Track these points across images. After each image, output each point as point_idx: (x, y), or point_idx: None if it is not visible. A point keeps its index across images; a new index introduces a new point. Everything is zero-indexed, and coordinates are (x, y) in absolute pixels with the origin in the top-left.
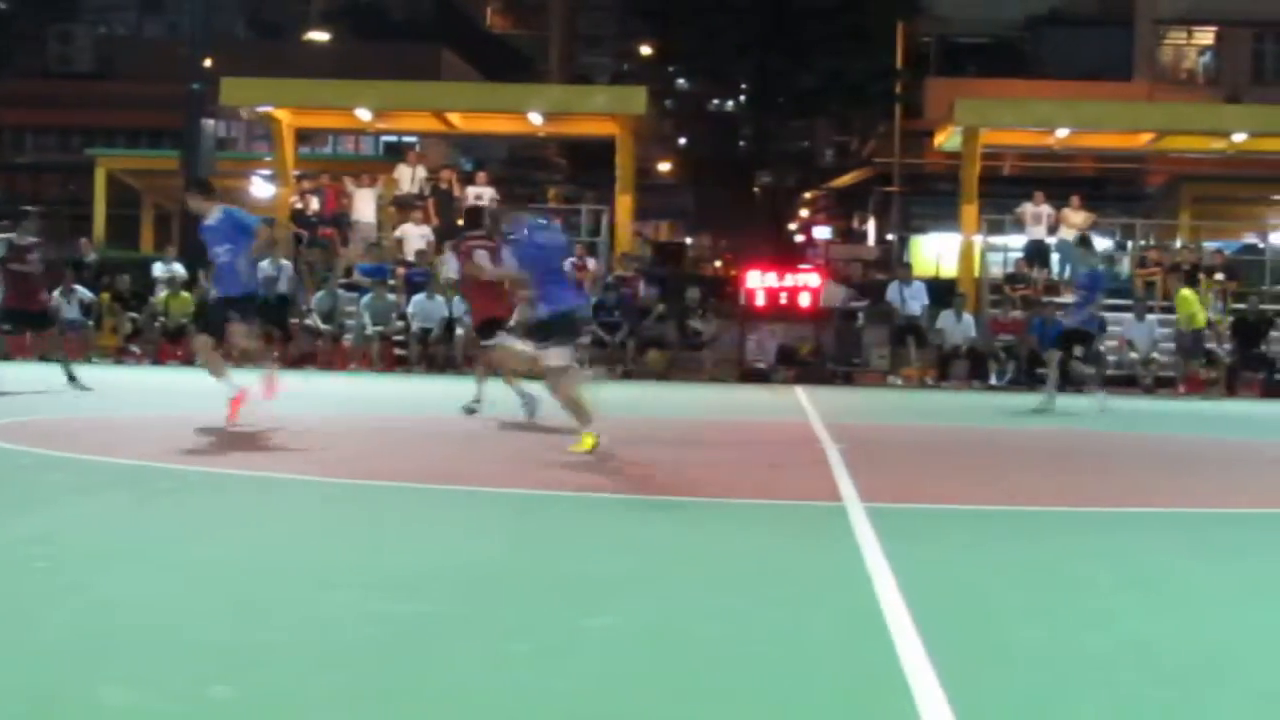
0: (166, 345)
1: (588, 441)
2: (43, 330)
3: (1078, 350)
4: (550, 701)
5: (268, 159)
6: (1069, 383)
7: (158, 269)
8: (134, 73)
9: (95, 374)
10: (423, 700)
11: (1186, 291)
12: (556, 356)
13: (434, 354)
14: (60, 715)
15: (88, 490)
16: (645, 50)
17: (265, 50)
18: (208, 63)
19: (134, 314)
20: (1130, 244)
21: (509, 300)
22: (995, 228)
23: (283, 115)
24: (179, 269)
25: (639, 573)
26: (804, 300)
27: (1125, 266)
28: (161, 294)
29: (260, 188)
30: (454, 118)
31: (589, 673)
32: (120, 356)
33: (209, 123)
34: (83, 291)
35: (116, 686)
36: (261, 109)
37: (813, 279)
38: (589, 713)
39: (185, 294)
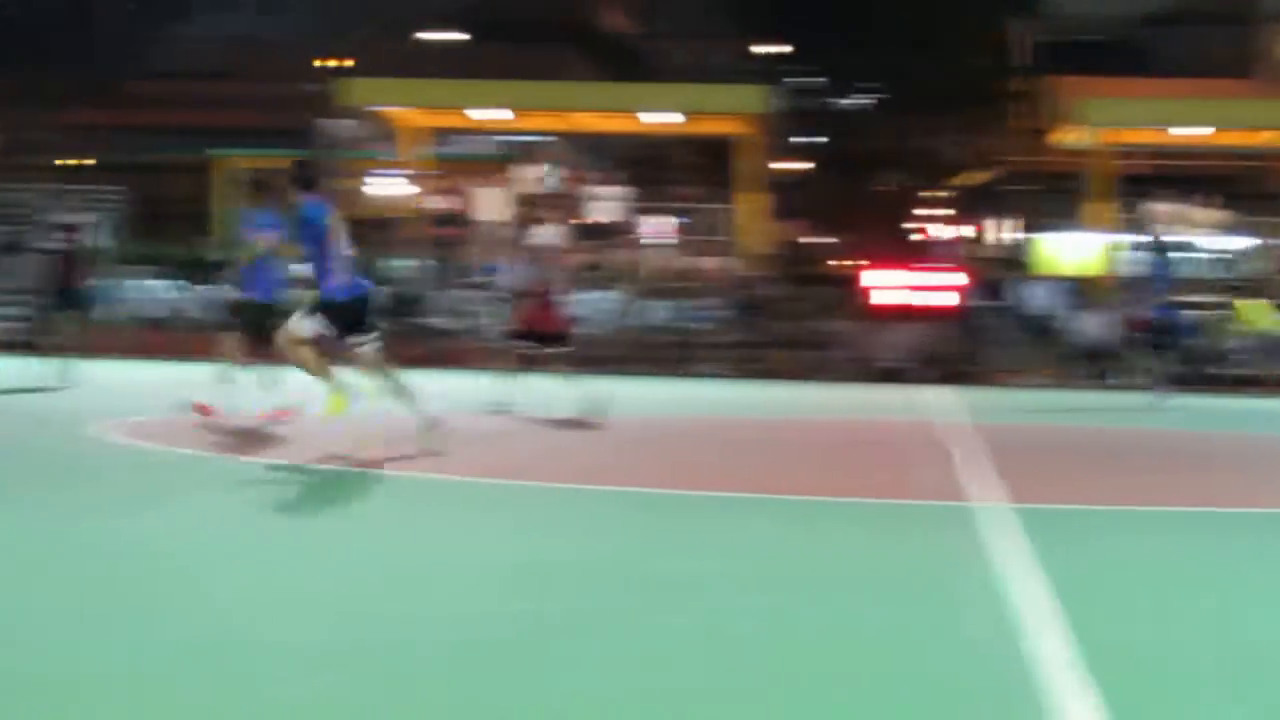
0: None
1: (337, 403)
2: (76, 309)
3: (1164, 340)
4: (658, 702)
5: (391, 159)
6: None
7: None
8: (256, 73)
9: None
10: (548, 698)
11: (1240, 303)
12: (296, 326)
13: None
14: (177, 713)
15: (213, 488)
16: (767, 49)
17: (388, 50)
18: (332, 63)
19: None
20: (1261, 243)
21: (556, 314)
22: (1121, 225)
23: (405, 115)
24: (301, 269)
25: (760, 573)
26: (932, 299)
27: (1260, 265)
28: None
29: (382, 187)
30: (578, 117)
31: (710, 673)
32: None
33: (331, 122)
34: (206, 290)
35: (235, 683)
36: (383, 109)
37: (942, 278)
38: (703, 714)
39: (311, 292)
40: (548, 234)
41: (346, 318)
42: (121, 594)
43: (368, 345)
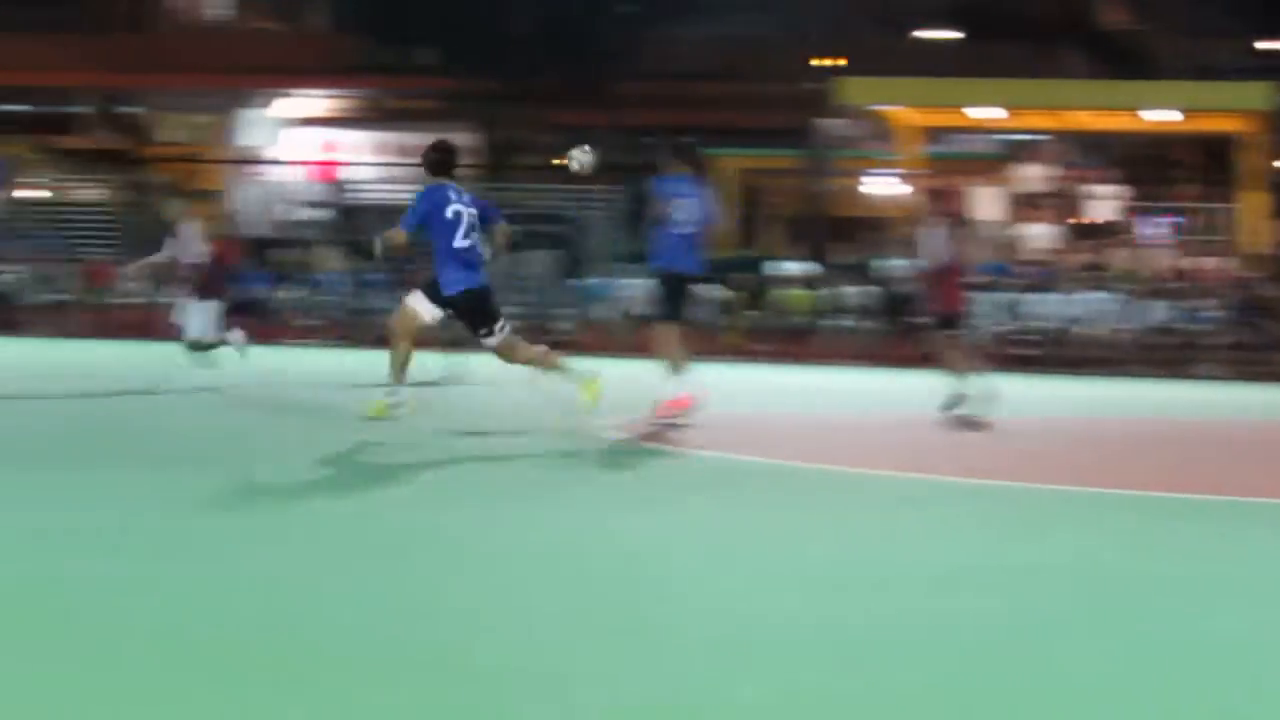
0: (787, 343)
1: (590, 388)
2: None
3: None
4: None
5: (888, 158)
6: None
7: (779, 267)
8: (750, 73)
9: (716, 372)
10: (1037, 702)
11: None
12: (496, 340)
13: (1058, 354)
14: (674, 712)
15: (701, 487)
16: (1273, 45)
17: (884, 48)
18: (828, 62)
19: (755, 311)
20: None
21: (962, 293)
22: None
23: (902, 114)
24: (802, 267)
25: (1255, 579)
26: None
27: None
28: (782, 291)
29: (878, 186)
30: (1074, 115)
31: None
32: (743, 354)
33: (829, 122)
34: (707, 290)
35: (733, 682)
36: (878, 107)
37: None
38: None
39: (806, 291)
40: (1042, 233)
41: (466, 313)
42: (607, 592)
43: (496, 337)
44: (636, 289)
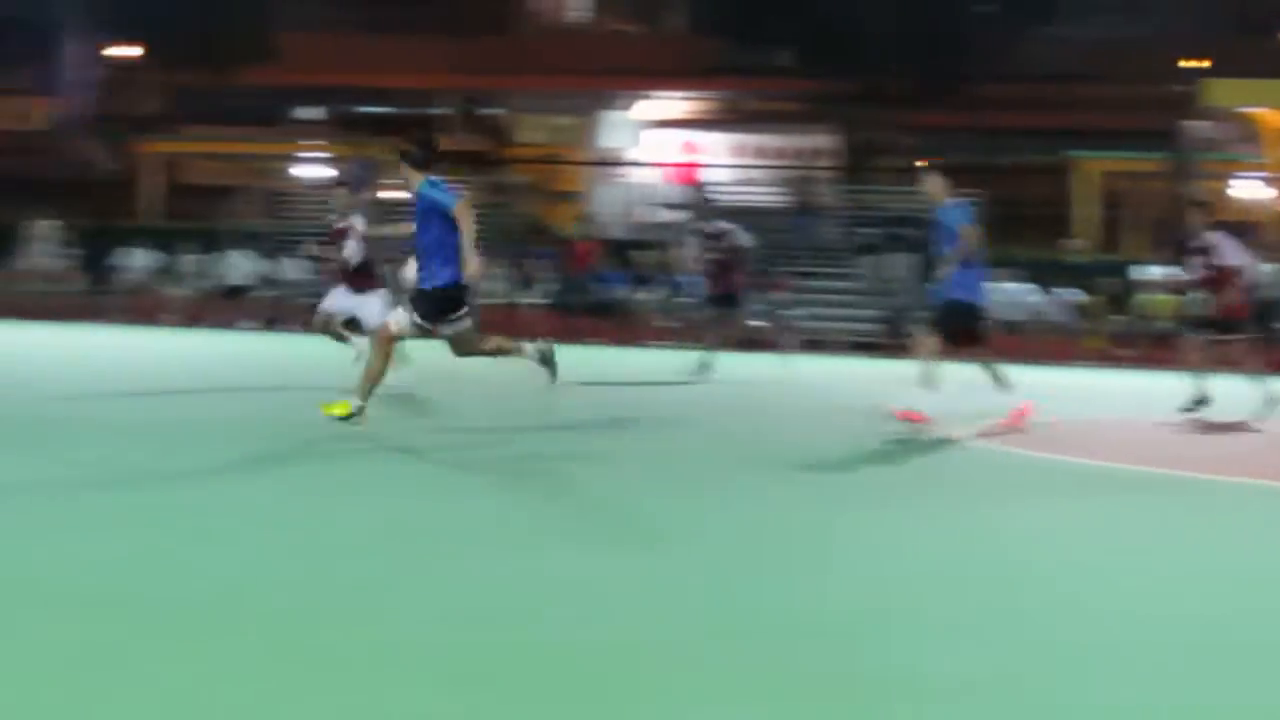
0: (1151, 349)
1: (341, 408)
2: (730, 312)
3: None
4: None
5: (1255, 160)
6: None
7: (1143, 271)
8: (1114, 74)
9: (1074, 377)
10: None
11: None
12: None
13: None
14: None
15: (1059, 491)
16: None
17: (1251, 49)
18: (1193, 63)
19: (1119, 316)
20: None
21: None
22: None
23: (1269, 116)
24: (1166, 271)
25: None
26: None
27: None
28: (1146, 296)
29: (1244, 191)
30: None
31: None
32: (1106, 360)
33: (1195, 124)
34: (1068, 293)
35: (1100, 685)
36: (1246, 110)
37: None
38: None
39: (1171, 296)
40: None
41: (437, 307)
42: (983, 595)
43: (453, 327)
44: (1001, 294)
